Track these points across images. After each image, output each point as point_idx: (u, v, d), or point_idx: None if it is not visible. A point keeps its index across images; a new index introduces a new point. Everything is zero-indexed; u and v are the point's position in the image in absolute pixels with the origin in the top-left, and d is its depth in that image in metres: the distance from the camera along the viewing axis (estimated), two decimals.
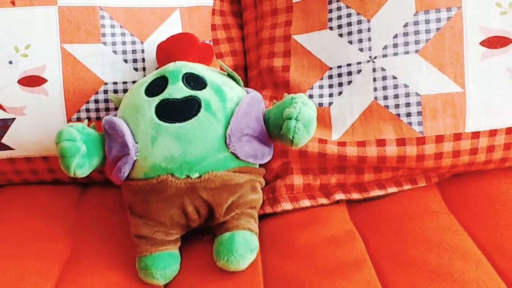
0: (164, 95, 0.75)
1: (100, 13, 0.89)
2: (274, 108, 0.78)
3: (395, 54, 0.85)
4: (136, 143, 0.75)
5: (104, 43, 0.89)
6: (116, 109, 0.87)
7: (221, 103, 0.76)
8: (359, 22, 0.86)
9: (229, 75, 0.82)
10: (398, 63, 0.84)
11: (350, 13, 0.87)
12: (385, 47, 0.85)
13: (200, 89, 0.76)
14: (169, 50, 0.84)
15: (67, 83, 0.88)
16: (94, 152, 0.78)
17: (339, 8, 0.88)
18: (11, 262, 0.80)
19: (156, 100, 0.75)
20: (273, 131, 0.77)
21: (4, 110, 0.88)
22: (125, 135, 0.74)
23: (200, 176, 0.74)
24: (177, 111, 0.74)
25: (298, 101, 0.75)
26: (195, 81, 0.77)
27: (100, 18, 0.89)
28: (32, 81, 0.88)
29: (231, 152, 0.75)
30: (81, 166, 0.76)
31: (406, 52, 0.84)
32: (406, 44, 0.84)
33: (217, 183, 0.74)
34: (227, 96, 0.77)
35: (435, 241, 0.77)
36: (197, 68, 0.79)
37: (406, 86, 0.84)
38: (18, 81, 0.88)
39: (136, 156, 0.75)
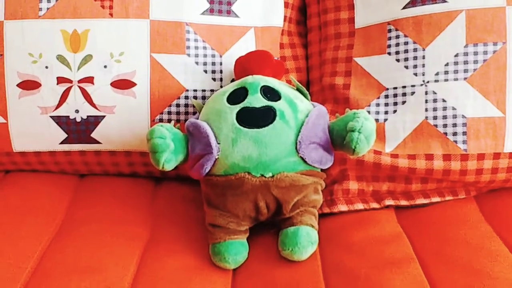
0: (245, 103, 0.86)
1: (186, 28, 1.01)
2: (338, 121, 0.88)
3: (446, 80, 0.96)
4: (218, 143, 0.85)
5: (188, 55, 1.00)
6: (194, 113, 0.98)
7: (293, 113, 0.86)
8: (415, 49, 0.97)
9: (298, 89, 0.93)
10: (448, 88, 0.95)
11: (407, 41, 0.98)
12: (437, 73, 0.96)
13: (276, 101, 0.87)
14: (247, 64, 0.95)
15: (153, 87, 1.00)
16: (180, 149, 0.88)
17: (397, 36, 0.99)
18: (95, 240, 0.90)
19: (237, 107, 0.86)
20: (336, 140, 0.88)
21: (97, 108, 1.00)
22: (209, 136, 0.85)
23: (273, 176, 0.84)
24: (255, 118, 0.85)
25: (361, 116, 0.85)
26: (271, 93, 0.88)
27: (185, 32, 1.00)
28: (123, 84, 0.99)
29: (300, 157, 0.85)
30: (169, 161, 0.87)
31: (456, 79, 0.95)
32: (456, 72, 0.95)
33: (287, 182, 0.85)
34: (299, 108, 0.87)
35: (474, 246, 0.87)
36: (272, 82, 0.90)
37: (454, 108, 0.95)
38: (111, 84, 0.99)
39: (218, 155, 0.85)
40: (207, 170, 0.86)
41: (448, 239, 0.89)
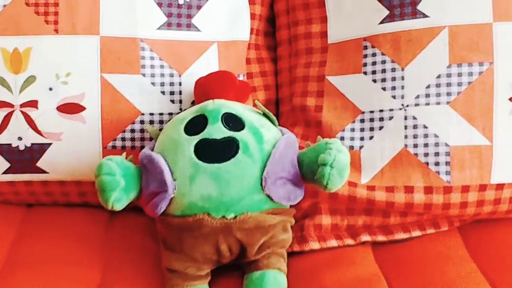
0: (204, 134, 0.77)
1: (141, 45, 0.91)
2: (309, 151, 0.80)
3: (427, 104, 0.87)
4: (174, 180, 0.76)
5: (143, 75, 0.91)
6: (151, 139, 0.89)
7: (258, 145, 0.77)
8: (393, 69, 0.89)
9: (265, 115, 0.84)
10: (429, 113, 0.87)
11: (385, 60, 0.89)
12: (417, 97, 0.88)
13: (239, 130, 0.78)
14: (208, 87, 0.86)
15: (104, 112, 0.90)
16: (132, 186, 0.79)
17: (373, 54, 0.90)
18: (43, 284, 0.82)
19: (196, 139, 0.77)
20: (307, 174, 0.79)
21: (42, 135, 0.90)
22: (164, 172, 0.76)
23: (235, 217, 0.76)
24: (216, 152, 0.76)
25: (333, 147, 0.77)
26: (233, 122, 0.79)
27: (140, 49, 0.91)
28: (70, 108, 0.90)
29: (266, 194, 0.77)
30: (119, 200, 0.78)
31: (438, 103, 0.87)
32: (438, 95, 0.87)
33: (251, 224, 0.77)
34: (264, 138, 0.78)
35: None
36: (236, 108, 0.81)
37: (436, 136, 0.87)
38: (57, 108, 0.90)
39: (174, 193, 0.76)
40: (161, 210, 0.77)
41: (428, 281, 0.82)
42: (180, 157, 0.77)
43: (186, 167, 0.76)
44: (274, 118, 0.84)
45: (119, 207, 0.78)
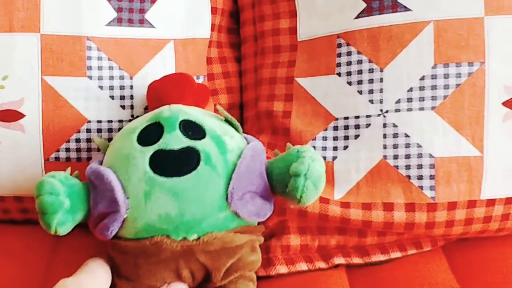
0: (160, 145, 0.68)
1: (87, 44, 0.81)
2: (278, 161, 0.70)
3: (409, 109, 0.77)
4: (127, 198, 0.67)
5: (90, 77, 0.81)
6: (99, 150, 0.79)
7: (221, 155, 0.68)
8: (371, 70, 0.79)
9: (227, 121, 0.75)
10: (411, 120, 0.77)
11: (361, 60, 0.79)
12: (398, 101, 0.78)
13: (199, 139, 0.69)
14: (162, 92, 0.76)
15: (46, 119, 0.81)
16: (78, 206, 0.69)
17: (349, 53, 0.80)
18: None
19: (151, 150, 0.67)
20: (277, 187, 0.70)
21: None
22: (114, 190, 0.66)
23: (198, 238, 0.66)
24: (174, 164, 0.67)
25: (306, 155, 0.67)
26: (193, 130, 0.69)
27: (86, 49, 0.81)
28: (8, 115, 0.80)
29: (232, 211, 0.67)
30: (63, 224, 0.68)
31: (421, 108, 0.77)
32: (422, 99, 0.77)
33: (216, 245, 0.67)
34: (228, 147, 0.69)
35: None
36: (195, 114, 0.72)
37: (419, 146, 0.77)
38: None
39: (127, 213, 0.67)
40: (113, 233, 0.68)
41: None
42: (133, 171, 0.67)
43: (140, 183, 0.66)
44: (238, 124, 0.74)
45: (63, 231, 0.68)
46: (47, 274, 0.82)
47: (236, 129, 0.74)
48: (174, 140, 0.68)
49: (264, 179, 0.70)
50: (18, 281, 0.80)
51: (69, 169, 0.72)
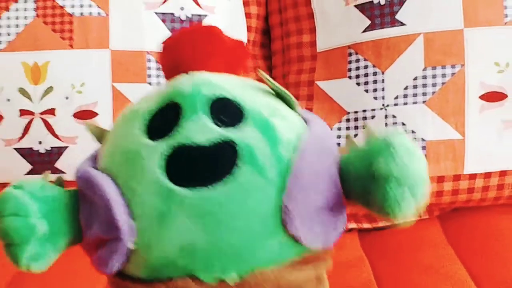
0: (178, 137, 0.44)
1: (147, 57, 1.01)
2: (357, 155, 0.46)
3: (405, 103, 0.96)
4: (133, 220, 0.44)
5: (149, 83, 1.01)
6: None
7: (271, 149, 0.44)
8: (375, 73, 0.98)
9: (276, 94, 0.50)
10: (407, 112, 0.96)
11: (367, 65, 0.99)
12: (396, 97, 0.97)
13: (236, 125, 0.45)
14: (179, 52, 0.50)
15: (116, 117, 1.00)
16: (62, 229, 0.46)
17: (357, 60, 0.99)
18: None
19: (165, 146, 0.44)
20: (355, 193, 0.46)
21: (60, 139, 1.00)
22: (112, 207, 0.43)
23: (240, 278, 0.44)
24: (200, 168, 0.43)
25: (399, 147, 0.43)
26: (227, 112, 0.46)
27: (146, 61, 1.01)
28: (85, 114, 0.99)
29: (290, 235, 0.44)
30: (40, 257, 0.45)
31: (415, 102, 0.96)
32: (415, 95, 0.96)
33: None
34: (280, 135, 0.45)
35: (433, 270, 0.87)
36: (229, 87, 0.47)
37: (413, 132, 0.96)
38: (73, 115, 0.99)
39: (133, 242, 0.44)
40: (114, 269, 0.45)
41: (408, 264, 0.90)
42: (141, 180, 0.44)
43: (151, 197, 0.43)
44: (291, 97, 0.50)
45: (38, 267, 0.45)
46: None
47: (290, 104, 0.50)
48: (199, 129, 0.44)
49: (336, 184, 0.46)
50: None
51: (46, 173, 0.50)
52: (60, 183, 0.50)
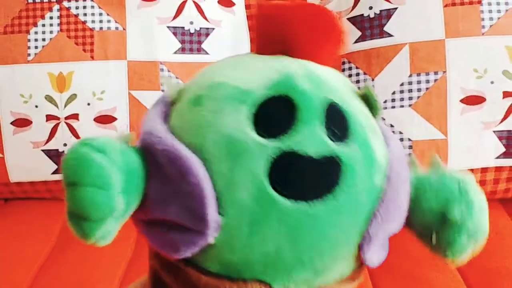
0: (289, 142, 0.40)
1: (160, 67, 1.11)
2: (427, 191, 0.45)
3: (393, 107, 1.06)
4: (220, 215, 0.40)
5: (163, 91, 1.10)
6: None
7: (368, 173, 0.42)
8: (365, 80, 1.08)
9: (365, 98, 0.46)
10: (395, 115, 1.05)
11: (359, 73, 1.08)
12: (385, 101, 1.06)
13: (344, 141, 0.42)
14: (291, 31, 0.44)
15: (132, 121, 1.10)
16: (133, 202, 0.42)
17: (350, 68, 1.09)
18: (84, 260, 0.98)
19: (274, 148, 0.40)
20: (416, 225, 0.46)
21: None
22: (206, 203, 0.39)
23: None
24: (305, 180, 0.40)
25: (473, 198, 0.44)
26: (338, 122, 0.42)
27: (160, 70, 1.11)
28: (105, 119, 1.09)
29: (358, 259, 0.44)
30: (109, 234, 0.41)
31: (402, 106, 1.05)
32: (402, 99, 1.05)
33: None
34: (376, 158, 0.43)
35: (417, 256, 0.92)
36: (337, 89, 0.44)
37: (400, 133, 1.05)
38: (94, 119, 1.09)
39: (215, 238, 0.41)
40: (183, 256, 0.42)
41: (394, 250, 0.98)
42: (241, 178, 0.40)
43: (248, 198, 0.40)
44: (378, 104, 0.46)
45: (104, 243, 0.41)
46: (132, 233, 1.10)
47: (374, 110, 0.46)
48: (313, 139, 0.40)
49: (405, 212, 0.45)
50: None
51: (128, 135, 0.44)
52: (128, 141, 0.43)
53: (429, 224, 0.43)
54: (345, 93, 0.43)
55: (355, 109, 0.43)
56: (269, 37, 0.44)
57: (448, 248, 0.43)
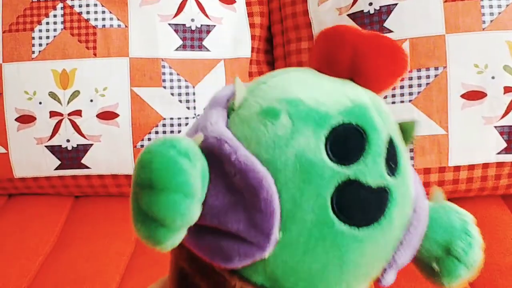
0: (355, 171, 0.41)
1: (162, 63, 1.12)
2: (438, 224, 0.47)
3: (393, 102, 1.06)
4: (281, 232, 0.41)
5: (164, 87, 1.11)
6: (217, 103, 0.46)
7: (405, 204, 0.45)
8: None
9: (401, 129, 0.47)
10: (395, 110, 1.05)
11: None
12: (385, 97, 1.06)
13: (394, 173, 0.44)
14: (361, 59, 0.45)
15: (134, 117, 1.11)
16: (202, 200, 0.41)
17: None
18: (85, 255, 1.00)
19: (344, 176, 0.41)
20: (421, 258, 0.47)
21: (85, 137, 1.12)
22: (273, 220, 0.40)
23: None
24: (362, 208, 0.42)
25: (475, 239, 0.47)
26: (393, 157, 0.44)
27: (161, 67, 1.12)
28: (107, 115, 1.11)
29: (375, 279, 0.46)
30: (178, 240, 0.39)
31: (402, 101, 1.05)
32: (402, 95, 1.05)
33: None
34: (411, 193, 0.46)
35: None
36: (393, 123, 0.46)
37: None
38: (97, 115, 1.11)
39: (269, 253, 0.41)
40: (236, 266, 0.42)
41: None
42: (310, 200, 0.41)
43: (311, 221, 0.41)
44: (414, 140, 0.48)
45: (170, 248, 0.40)
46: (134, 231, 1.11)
47: (407, 142, 0.47)
48: (376, 172, 0.42)
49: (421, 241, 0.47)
50: (114, 236, 1.07)
51: (200, 137, 0.41)
52: (199, 144, 0.41)
53: (432, 252, 0.46)
54: (396, 127, 0.45)
55: (401, 144, 0.45)
56: (336, 59, 0.45)
57: (446, 276, 0.46)
